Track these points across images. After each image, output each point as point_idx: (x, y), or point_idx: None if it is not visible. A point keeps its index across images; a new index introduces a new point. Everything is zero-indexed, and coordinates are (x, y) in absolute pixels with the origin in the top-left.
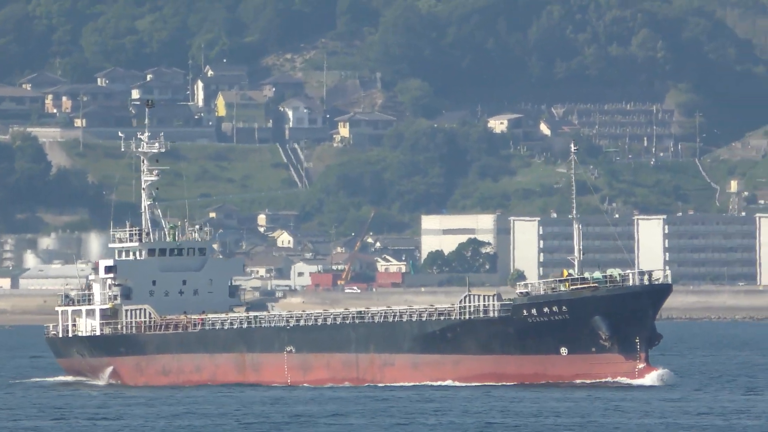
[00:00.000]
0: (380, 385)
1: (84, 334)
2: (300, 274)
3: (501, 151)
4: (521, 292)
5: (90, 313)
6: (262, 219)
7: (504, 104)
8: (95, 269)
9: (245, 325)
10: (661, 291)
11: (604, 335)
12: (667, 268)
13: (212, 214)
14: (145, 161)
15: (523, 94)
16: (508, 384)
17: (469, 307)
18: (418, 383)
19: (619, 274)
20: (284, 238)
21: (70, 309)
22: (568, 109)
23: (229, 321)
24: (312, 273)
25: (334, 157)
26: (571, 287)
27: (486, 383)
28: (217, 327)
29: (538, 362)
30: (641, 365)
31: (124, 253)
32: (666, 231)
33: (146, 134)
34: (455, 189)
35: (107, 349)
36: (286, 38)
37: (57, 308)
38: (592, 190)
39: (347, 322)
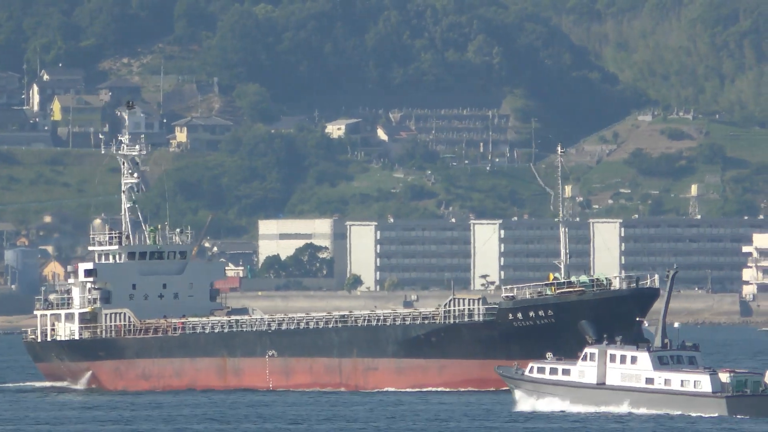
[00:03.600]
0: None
1: (63, 339)
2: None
3: (338, 157)
4: (507, 296)
5: (69, 317)
6: (97, 224)
7: (341, 109)
8: (74, 272)
9: (226, 329)
10: (649, 295)
11: (591, 339)
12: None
13: (48, 219)
14: (125, 164)
15: (361, 100)
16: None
17: (454, 311)
18: (401, 389)
19: (606, 278)
20: None
21: (48, 313)
22: (405, 115)
23: (210, 325)
24: None
25: (171, 162)
26: (558, 291)
27: (470, 388)
28: (198, 331)
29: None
30: None
31: (103, 257)
32: (502, 235)
33: (126, 136)
34: (293, 194)
35: (86, 354)
36: (122, 42)
37: (36, 312)
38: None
39: (330, 326)
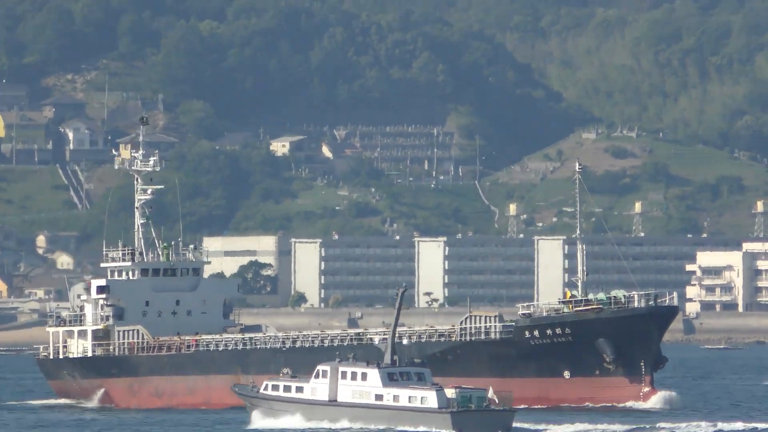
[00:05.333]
0: None
1: (75, 356)
2: (79, 295)
3: (283, 174)
4: (524, 314)
5: (82, 334)
6: (41, 240)
7: (286, 126)
8: (87, 289)
9: (240, 347)
10: (668, 313)
11: (609, 358)
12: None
13: None
14: (138, 179)
15: (306, 117)
16: None
17: (470, 328)
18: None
19: (624, 296)
20: (64, 260)
21: (61, 330)
22: (350, 132)
23: (223, 342)
24: None
25: (115, 179)
26: (575, 309)
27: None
28: (212, 348)
29: (541, 385)
30: (646, 388)
31: (116, 273)
32: (446, 253)
33: (140, 152)
34: (237, 211)
35: (99, 371)
36: (66, 59)
37: (48, 329)
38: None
39: (345, 344)
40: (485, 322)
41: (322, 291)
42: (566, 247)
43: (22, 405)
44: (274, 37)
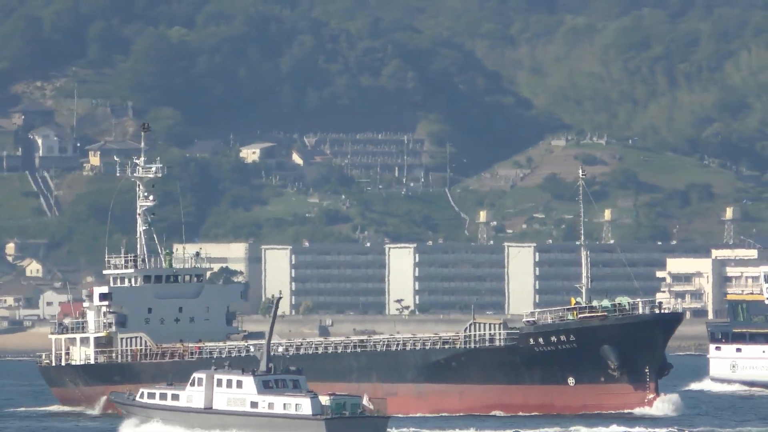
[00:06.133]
0: None
1: (78, 363)
2: (49, 303)
3: (253, 181)
4: (528, 321)
5: (84, 341)
6: (10, 248)
7: (256, 134)
8: (90, 296)
9: (243, 354)
10: (672, 320)
11: (613, 365)
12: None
13: None
14: (140, 186)
15: (276, 124)
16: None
17: (475, 335)
18: (422, 414)
19: (629, 303)
20: (33, 267)
21: (63, 337)
22: (320, 139)
23: (227, 349)
24: (61, 302)
25: (84, 186)
26: (579, 316)
27: (491, 413)
28: (215, 355)
29: (545, 392)
30: (651, 395)
31: (119, 280)
32: (416, 260)
33: (142, 158)
34: (207, 218)
35: (102, 378)
36: (35, 66)
37: (50, 336)
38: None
39: (348, 350)
40: (489, 330)
41: (293, 298)
42: (537, 254)
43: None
44: (243, 43)
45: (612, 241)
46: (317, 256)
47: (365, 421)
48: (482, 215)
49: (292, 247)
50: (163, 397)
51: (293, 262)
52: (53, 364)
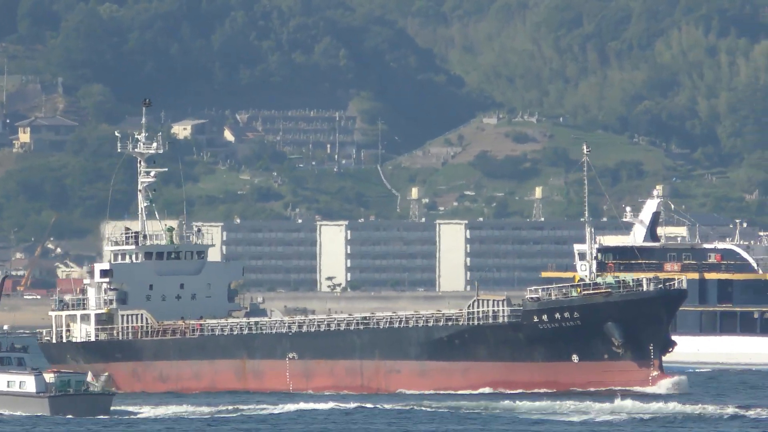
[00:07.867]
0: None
1: (78, 340)
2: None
3: (185, 158)
4: (531, 298)
5: (85, 318)
6: None
7: (188, 110)
8: (90, 273)
9: (245, 331)
10: (677, 296)
11: (617, 342)
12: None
13: None
14: (142, 162)
15: (207, 101)
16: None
17: (478, 312)
18: (425, 391)
19: (633, 280)
20: None
21: (64, 314)
22: (252, 116)
23: (228, 326)
24: None
25: (14, 163)
26: (583, 293)
27: (496, 390)
28: (217, 333)
29: (549, 369)
30: (655, 373)
31: (120, 257)
32: (348, 237)
33: (143, 134)
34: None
35: (103, 355)
36: None
37: (50, 313)
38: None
39: (351, 328)
40: (493, 306)
41: None
42: (468, 231)
43: None
44: (175, 20)
45: (542, 219)
46: (249, 234)
47: (90, 399)
48: (414, 192)
49: (224, 224)
50: None
51: (224, 239)
52: (53, 341)
